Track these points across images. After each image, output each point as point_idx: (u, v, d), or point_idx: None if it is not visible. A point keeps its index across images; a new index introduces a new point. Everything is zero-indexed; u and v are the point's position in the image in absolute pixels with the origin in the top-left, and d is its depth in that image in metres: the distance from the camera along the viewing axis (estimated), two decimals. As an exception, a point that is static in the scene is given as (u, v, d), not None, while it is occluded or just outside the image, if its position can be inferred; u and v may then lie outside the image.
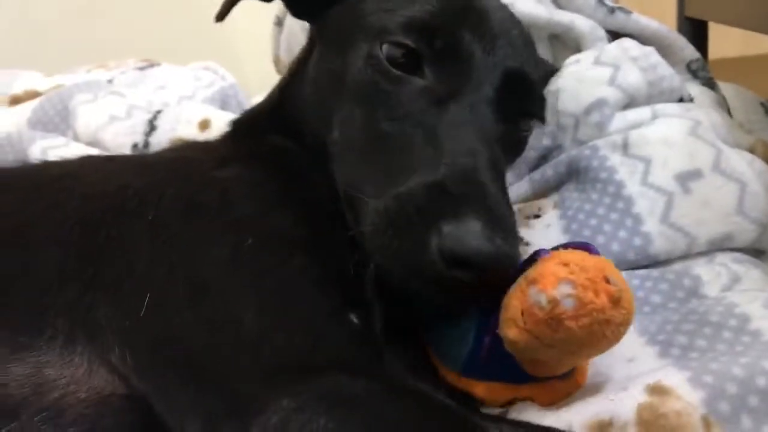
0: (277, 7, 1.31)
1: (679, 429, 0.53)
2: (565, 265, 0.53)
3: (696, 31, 1.43)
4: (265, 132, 0.76)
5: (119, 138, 1.04)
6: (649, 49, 0.89)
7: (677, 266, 0.73)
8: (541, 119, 0.77)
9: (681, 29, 1.45)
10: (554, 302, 0.52)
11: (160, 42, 1.62)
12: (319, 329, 0.53)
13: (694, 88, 1.02)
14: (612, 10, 1.00)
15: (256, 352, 0.50)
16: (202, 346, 0.51)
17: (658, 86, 0.86)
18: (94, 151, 1.02)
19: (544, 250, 0.57)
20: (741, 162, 0.77)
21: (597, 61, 0.86)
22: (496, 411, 0.61)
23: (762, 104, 1.11)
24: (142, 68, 1.42)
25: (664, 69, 0.87)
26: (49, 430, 0.53)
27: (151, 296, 0.53)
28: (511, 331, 0.55)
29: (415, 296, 0.56)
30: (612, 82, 0.84)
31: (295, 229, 0.61)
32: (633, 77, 0.85)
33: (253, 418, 0.45)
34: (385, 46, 0.65)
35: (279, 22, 1.30)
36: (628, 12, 1.02)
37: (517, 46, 0.71)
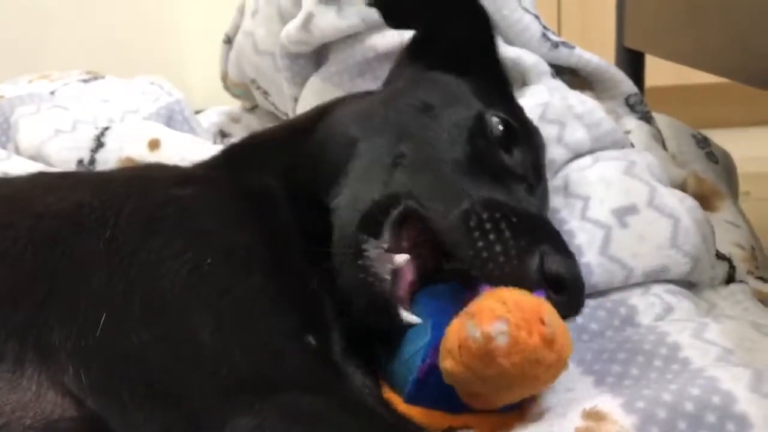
0: (226, 25, 1.31)
1: (615, 452, 0.55)
2: (504, 303, 0.55)
3: (633, 60, 1.50)
4: (251, 162, 0.76)
5: (64, 153, 1.02)
6: (592, 105, 0.93)
7: (615, 296, 0.76)
8: None
9: (619, 59, 1.52)
10: (488, 338, 0.54)
11: (106, 54, 1.60)
12: (277, 348, 0.54)
13: (632, 122, 1.07)
14: (556, 45, 1.04)
15: (214, 370, 0.50)
16: (158, 364, 0.51)
17: (602, 141, 0.90)
18: (37, 166, 1.00)
19: (484, 285, 0.59)
20: (673, 199, 0.81)
21: (543, 118, 0.89)
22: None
23: (693, 136, 1.17)
24: (86, 80, 1.39)
25: (608, 124, 0.91)
26: None
27: (107, 315, 0.53)
28: (447, 362, 0.57)
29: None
30: (559, 140, 0.88)
31: (255, 248, 0.62)
32: (578, 135, 0.90)
33: None
34: (494, 119, 0.74)
35: (228, 41, 1.30)
36: (571, 47, 1.06)
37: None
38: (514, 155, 0.73)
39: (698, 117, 2.10)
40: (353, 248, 0.63)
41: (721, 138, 1.22)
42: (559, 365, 0.56)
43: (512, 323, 0.54)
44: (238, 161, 0.79)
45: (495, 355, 0.54)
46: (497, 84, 0.83)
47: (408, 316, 0.62)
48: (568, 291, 0.60)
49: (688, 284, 0.81)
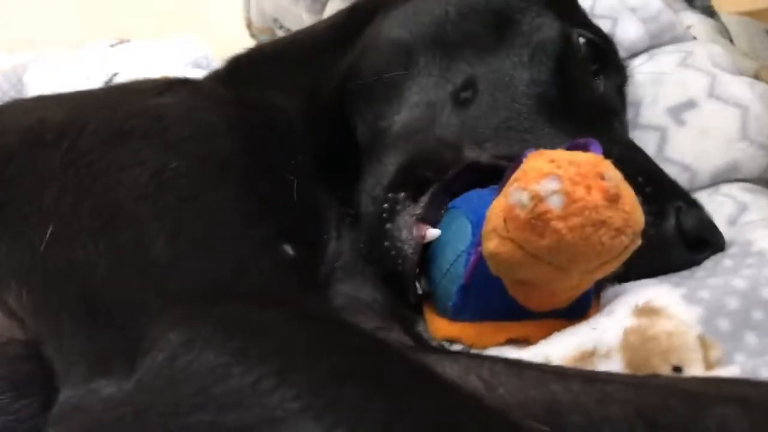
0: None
1: (670, 352, 0.45)
2: (552, 161, 0.45)
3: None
4: (264, 83, 0.68)
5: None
6: None
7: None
8: None
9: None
10: (537, 198, 0.43)
11: (133, 19, 1.58)
12: (237, 258, 0.46)
13: (692, 17, 0.94)
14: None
15: (161, 283, 0.43)
16: (101, 279, 0.44)
17: (660, 38, 0.79)
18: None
19: (530, 150, 0.49)
20: (740, 85, 0.70)
21: (592, 14, 0.78)
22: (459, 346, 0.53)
23: (767, 32, 1.03)
24: (113, 45, 1.36)
25: (666, 17, 0.80)
26: None
27: (54, 227, 0.47)
28: (492, 243, 0.47)
29: None
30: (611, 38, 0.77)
31: (235, 156, 0.54)
32: (632, 30, 0.79)
33: (139, 357, 0.38)
34: (581, 39, 0.64)
35: (248, -17, 1.24)
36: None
37: None
38: (603, 82, 0.65)
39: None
40: (385, 206, 0.57)
41: None
42: (629, 232, 0.44)
43: (565, 179, 0.43)
44: (242, 74, 0.71)
45: (548, 219, 0.43)
46: None
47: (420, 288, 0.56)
48: (710, 249, 0.54)
49: (765, 182, 0.69)
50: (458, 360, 0.45)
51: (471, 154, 0.58)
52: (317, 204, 0.58)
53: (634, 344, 0.46)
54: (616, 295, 0.51)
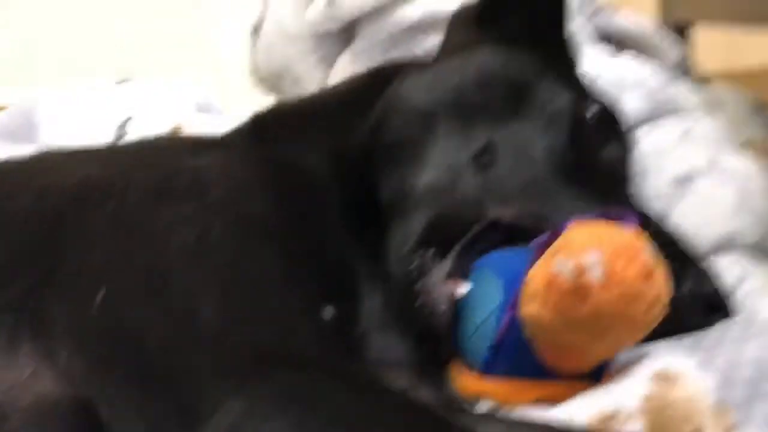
0: (254, 15, 1.29)
1: (688, 418, 0.48)
2: (594, 234, 0.49)
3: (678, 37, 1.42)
4: (288, 140, 0.71)
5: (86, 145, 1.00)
6: (646, 73, 0.88)
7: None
8: None
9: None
10: (581, 270, 0.47)
11: (135, 58, 1.60)
12: (284, 324, 0.48)
13: (683, 89, 1.00)
14: (597, 10, 1.00)
15: (212, 349, 0.45)
16: (154, 342, 0.46)
17: (661, 111, 0.85)
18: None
19: (567, 222, 0.53)
20: (737, 161, 0.76)
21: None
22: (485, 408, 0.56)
23: (751, 101, 1.09)
24: (118, 83, 1.38)
25: (664, 93, 0.86)
26: None
27: (106, 289, 0.48)
28: (532, 307, 0.50)
29: None
30: None
31: (270, 217, 0.57)
32: (635, 106, 0.83)
33: (201, 423, 0.40)
34: (592, 107, 0.67)
35: (255, 31, 1.27)
36: (613, 11, 1.01)
37: None
38: (611, 150, 0.68)
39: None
40: (414, 264, 0.59)
41: None
42: (659, 305, 0.49)
43: (607, 253, 0.48)
44: (267, 133, 0.73)
45: (589, 289, 0.47)
46: (569, 61, 0.75)
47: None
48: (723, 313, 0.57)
49: (763, 252, 0.74)
50: (490, 422, 0.48)
51: (493, 212, 0.61)
52: (349, 263, 0.61)
53: (653, 409, 0.49)
54: (633, 361, 0.55)
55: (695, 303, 0.56)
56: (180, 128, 0.99)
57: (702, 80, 1.03)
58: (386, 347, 0.60)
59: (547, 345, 0.52)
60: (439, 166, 0.64)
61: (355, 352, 0.56)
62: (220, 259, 0.52)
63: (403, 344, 0.61)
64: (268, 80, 1.32)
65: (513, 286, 0.53)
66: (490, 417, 0.52)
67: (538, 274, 0.50)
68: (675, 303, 0.53)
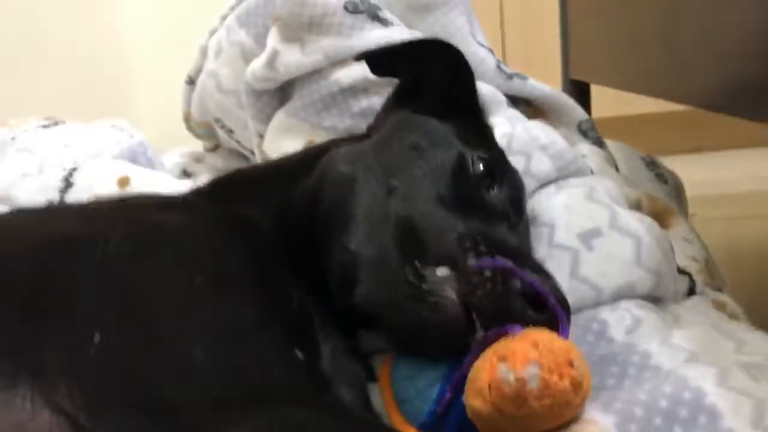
0: (187, 66, 1.34)
1: (595, 452, 0.58)
2: (535, 346, 0.58)
3: (579, 92, 1.57)
4: (242, 196, 0.79)
5: (33, 195, 1.02)
6: (555, 136, 0.98)
7: (587, 314, 0.79)
8: None
9: (565, 90, 1.59)
10: (522, 382, 0.56)
11: (61, 100, 1.61)
12: (267, 363, 0.56)
13: (585, 147, 1.13)
14: (510, 77, 1.10)
15: (207, 387, 0.52)
16: (152, 382, 0.53)
17: (566, 170, 0.96)
18: (6, 209, 1.00)
19: (515, 326, 0.61)
20: (632, 220, 0.86)
21: (509, 149, 0.93)
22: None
23: (642, 159, 1.23)
24: (46, 126, 1.39)
25: (569, 154, 0.97)
26: None
27: (101, 335, 0.54)
28: (476, 402, 0.59)
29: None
30: (526, 172, 0.93)
31: (240, 270, 0.64)
32: (544, 165, 0.95)
33: None
34: (476, 159, 0.77)
35: (191, 81, 1.32)
36: (524, 78, 1.12)
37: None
38: (495, 193, 0.77)
39: (641, 145, 2.20)
40: (409, 275, 0.64)
41: (664, 164, 1.29)
42: (582, 405, 0.59)
43: (545, 367, 0.56)
44: (223, 194, 0.82)
45: (527, 398, 0.56)
46: (478, 127, 0.87)
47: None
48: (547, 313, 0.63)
49: (653, 300, 0.84)
50: None
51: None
52: (305, 308, 0.68)
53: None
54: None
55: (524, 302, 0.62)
56: (127, 179, 1.03)
57: (599, 142, 1.15)
58: (336, 388, 0.67)
59: (484, 428, 0.61)
60: (367, 214, 0.73)
61: (322, 387, 0.62)
62: (204, 307, 0.59)
63: (349, 387, 0.68)
64: (202, 127, 1.37)
65: (454, 362, 0.62)
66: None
67: (483, 375, 0.58)
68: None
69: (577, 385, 0.58)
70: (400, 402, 0.66)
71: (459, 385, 0.61)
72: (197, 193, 0.84)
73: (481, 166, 0.77)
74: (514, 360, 0.57)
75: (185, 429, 0.49)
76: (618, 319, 0.78)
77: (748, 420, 0.57)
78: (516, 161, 0.92)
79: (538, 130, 1.00)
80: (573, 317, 0.78)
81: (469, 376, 0.60)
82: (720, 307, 0.87)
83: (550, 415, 0.58)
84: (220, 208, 0.76)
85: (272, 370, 0.55)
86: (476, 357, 0.60)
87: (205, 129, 1.36)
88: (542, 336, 0.59)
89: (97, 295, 0.58)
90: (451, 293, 0.62)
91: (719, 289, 0.91)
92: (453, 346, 0.63)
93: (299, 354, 0.59)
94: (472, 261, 0.63)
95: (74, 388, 0.53)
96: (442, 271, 0.64)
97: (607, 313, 0.79)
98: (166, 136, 1.44)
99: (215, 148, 1.44)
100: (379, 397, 0.69)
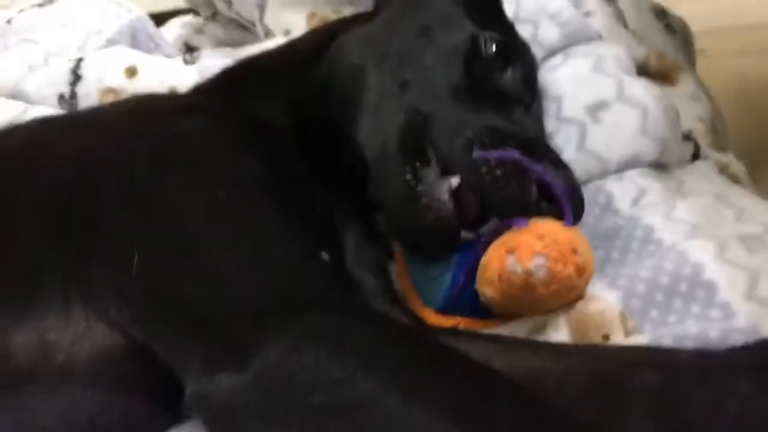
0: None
1: (602, 325, 0.64)
2: (540, 238, 0.62)
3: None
4: (256, 92, 0.79)
5: (43, 89, 1.02)
6: (563, 3, 0.96)
7: (593, 185, 0.82)
8: None
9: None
10: (528, 273, 0.61)
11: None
12: (297, 270, 0.59)
13: (593, 3, 1.10)
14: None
15: (242, 298, 0.55)
16: (192, 296, 0.56)
17: (573, 37, 0.94)
18: (18, 104, 1.01)
19: (521, 220, 0.64)
20: (640, 89, 0.86)
21: (516, 18, 0.92)
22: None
23: (652, 10, 1.20)
24: (41, 4, 1.37)
25: (578, 21, 0.95)
26: (62, 389, 0.58)
27: (140, 255, 0.58)
28: (488, 290, 0.64)
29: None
30: (533, 40, 0.92)
31: (262, 177, 0.67)
32: (552, 34, 0.94)
33: (250, 357, 0.50)
34: (488, 40, 0.76)
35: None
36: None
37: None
38: (508, 74, 0.77)
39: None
40: (407, 175, 0.66)
41: None
42: (586, 287, 0.64)
43: (550, 258, 0.61)
44: (238, 89, 0.82)
45: (534, 286, 0.61)
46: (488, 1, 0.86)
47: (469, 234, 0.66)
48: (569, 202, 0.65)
49: (658, 166, 0.86)
50: (460, 339, 0.61)
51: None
52: (327, 207, 0.71)
53: (575, 320, 0.64)
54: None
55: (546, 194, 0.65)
56: (135, 69, 1.03)
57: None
58: (362, 278, 0.72)
59: (495, 310, 0.66)
60: (376, 106, 0.75)
61: (353, 289, 0.67)
62: (230, 219, 0.61)
63: (374, 274, 0.73)
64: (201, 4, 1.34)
65: (465, 252, 0.66)
66: (457, 334, 0.66)
67: (493, 266, 0.62)
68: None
69: (581, 270, 0.62)
70: (418, 285, 0.71)
71: (471, 272, 0.66)
72: (211, 89, 0.84)
73: (494, 47, 0.77)
74: (521, 253, 0.61)
75: (225, 338, 0.53)
76: (623, 190, 0.81)
77: (742, 292, 0.62)
78: (523, 29, 0.92)
79: (546, -4, 0.98)
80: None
81: (480, 266, 0.64)
82: (723, 169, 0.89)
83: (556, 298, 0.63)
84: (236, 107, 0.77)
85: (304, 278, 0.58)
86: (486, 246, 0.64)
87: (203, 0, 1.33)
88: (547, 227, 0.63)
89: (132, 216, 0.61)
90: (443, 194, 0.64)
91: (723, 149, 0.93)
92: (446, 246, 0.66)
93: (325, 256, 0.63)
94: (477, 153, 0.65)
95: (123, 306, 0.57)
96: (436, 172, 0.66)
97: (612, 184, 0.82)
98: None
99: (213, 14, 1.41)
100: (396, 278, 0.74)
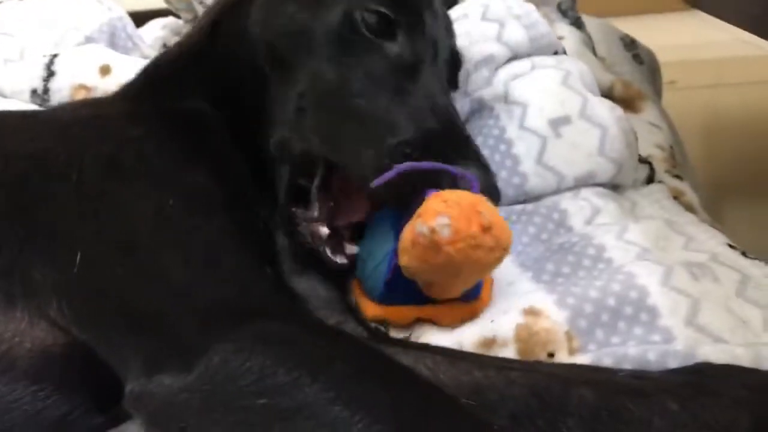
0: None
1: (548, 343, 0.65)
2: (444, 201, 0.64)
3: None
4: (180, 90, 0.79)
5: (16, 83, 1.03)
6: (529, 7, 0.98)
7: (548, 201, 0.84)
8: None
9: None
10: (433, 231, 0.62)
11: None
12: (243, 280, 0.60)
13: (564, 28, 1.14)
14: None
15: (189, 301, 0.56)
16: (136, 297, 0.57)
17: (538, 42, 0.96)
18: (-11, 97, 1.02)
19: (431, 190, 0.66)
20: (603, 109, 0.88)
21: (484, 17, 0.94)
22: (401, 336, 0.71)
23: (621, 39, 1.24)
24: (21, -1, 1.37)
25: (543, 27, 0.98)
26: (3, 380, 0.58)
27: (83, 253, 0.58)
28: (404, 258, 0.65)
29: None
30: (499, 38, 0.94)
31: (210, 188, 0.68)
32: (517, 34, 0.96)
33: (194, 358, 0.51)
34: (365, 13, 0.73)
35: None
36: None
37: (450, 26, 0.85)
38: (400, 41, 0.75)
39: (623, 4, 2.16)
40: (287, 220, 0.73)
41: (647, 25, 1.28)
42: (499, 249, 0.64)
43: (453, 217, 0.62)
44: (163, 86, 0.82)
45: (440, 244, 0.62)
46: None
47: (341, 259, 0.72)
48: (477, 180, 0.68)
49: (613, 186, 0.89)
50: (408, 351, 0.62)
51: (327, 154, 0.73)
52: (265, 216, 0.72)
53: (522, 337, 0.66)
54: (508, 297, 0.71)
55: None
56: (108, 68, 1.04)
57: (578, 22, 1.16)
58: (310, 287, 0.73)
59: (420, 283, 0.68)
60: (277, 124, 0.76)
61: (293, 297, 0.68)
62: (178, 226, 0.62)
63: (323, 283, 0.74)
64: (181, 2, 1.35)
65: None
66: (406, 346, 0.67)
67: (406, 235, 0.65)
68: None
69: (486, 228, 0.63)
70: (364, 279, 0.72)
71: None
72: (138, 91, 0.83)
73: (374, 19, 0.74)
74: (426, 215, 0.63)
75: (169, 340, 0.53)
76: (578, 209, 0.83)
77: (683, 318, 0.64)
78: (490, 28, 0.94)
79: (513, 1, 1.01)
80: (536, 204, 0.85)
81: (399, 240, 0.66)
82: (677, 196, 0.92)
83: (466, 259, 0.63)
84: (170, 105, 0.77)
85: (249, 286, 0.59)
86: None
87: (185, 3, 1.34)
88: (451, 194, 0.65)
89: (76, 215, 0.61)
90: (315, 240, 0.71)
91: (679, 177, 0.96)
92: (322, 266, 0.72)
93: (268, 269, 0.64)
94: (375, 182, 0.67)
95: (63, 303, 0.58)
96: (305, 221, 0.72)
97: (567, 202, 0.84)
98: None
99: (194, 18, 1.42)
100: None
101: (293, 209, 0.73)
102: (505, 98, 0.92)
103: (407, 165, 0.66)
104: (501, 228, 0.64)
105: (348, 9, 0.74)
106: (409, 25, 0.76)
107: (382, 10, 0.74)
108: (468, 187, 0.67)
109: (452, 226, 0.62)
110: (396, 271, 0.68)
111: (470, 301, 0.71)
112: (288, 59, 0.76)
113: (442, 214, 0.62)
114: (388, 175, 0.66)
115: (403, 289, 0.69)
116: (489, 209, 0.64)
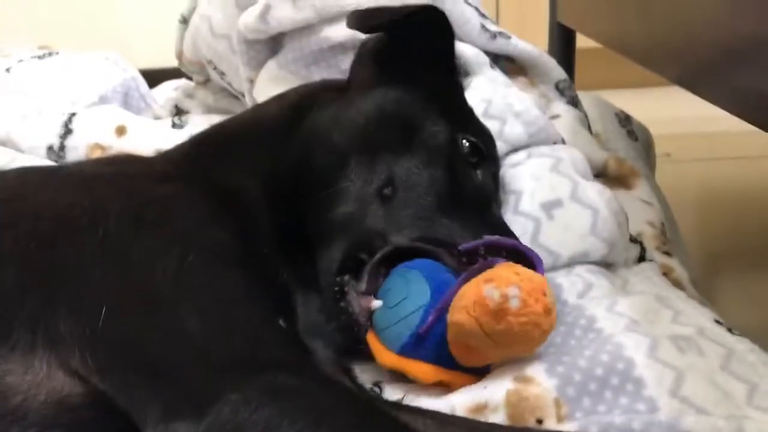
0: (181, 5, 1.36)
1: (537, 409, 0.68)
2: (517, 274, 0.67)
3: (566, 37, 1.61)
4: (230, 163, 0.84)
5: (33, 139, 1.07)
6: (529, 104, 1.04)
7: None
8: None
9: (553, 35, 1.63)
10: (504, 298, 0.65)
11: (56, 28, 1.62)
12: (256, 333, 0.63)
13: (560, 107, 1.18)
14: (494, 36, 1.14)
15: (203, 354, 0.59)
16: (155, 350, 0.60)
17: (537, 136, 1.02)
18: (7, 151, 1.06)
19: (498, 259, 0.71)
20: (593, 192, 0.93)
21: (486, 114, 1.00)
22: (394, 398, 0.73)
23: (616, 115, 1.29)
24: (40, 57, 1.43)
25: (542, 121, 1.03)
26: (13, 430, 0.60)
27: (107, 308, 0.62)
28: (460, 316, 0.67)
29: None
30: (500, 135, 0.99)
31: (230, 244, 0.71)
32: (517, 131, 1.01)
33: (206, 407, 0.54)
34: (465, 141, 0.84)
35: (184, 20, 1.35)
36: (507, 36, 1.16)
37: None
38: (481, 173, 0.85)
39: (621, 77, 2.22)
40: (336, 288, 0.75)
41: (643, 98, 1.32)
42: (548, 333, 0.68)
43: (524, 290, 0.65)
44: (210, 157, 0.87)
45: (507, 313, 0.65)
46: (454, 91, 0.94)
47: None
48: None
49: (605, 265, 0.93)
50: (401, 413, 0.65)
51: (394, 239, 0.77)
52: (286, 278, 0.76)
53: (513, 402, 0.68)
54: (502, 364, 0.73)
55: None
56: (124, 128, 1.09)
57: (574, 101, 1.21)
58: (313, 346, 0.76)
59: (461, 344, 0.70)
60: (352, 200, 0.80)
61: (303, 352, 0.71)
62: (197, 281, 0.66)
63: (324, 344, 0.77)
64: (194, 66, 1.40)
65: (440, 293, 0.70)
66: (399, 407, 0.69)
67: (469, 294, 0.67)
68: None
69: (548, 311, 0.66)
70: (382, 329, 0.74)
71: (441, 311, 0.69)
72: (182, 157, 0.88)
73: (468, 147, 0.84)
74: (500, 281, 0.66)
75: (185, 391, 0.56)
76: (571, 284, 0.86)
77: (667, 389, 0.67)
78: (491, 125, 0.99)
79: (514, 96, 1.05)
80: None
81: (455, 297, 0.68)
82: (667, 272, 0.95)
83: (523, 334, 0.66)
84: (209, 175, 0.81)
85: (262, 339, 0.62)
86: (461, 286, 0.69)
87: (197, 68, 1.39)
88: (523, 268, 0.68)
89: (104, 271, 0.64)
90: (359, 312, 0.73)
91: (669, 254, 1.00)
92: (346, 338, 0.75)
93: (282, 323, 0.67)
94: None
95: (86, 354, 0.61)
96: (355, 292, 0.74)
97: (562, 278, 0.87)
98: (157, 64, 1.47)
99: (206, 81, 1.47)
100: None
101: (344, 278, 0.76)
102: (503, 187, 0.96)
103: (494, 238, 0.72)
104: (555, 314, 0.69)
105: (454, 135, 0.84)
106: (489, 160, 0.87)
107: (478, 143, 0.85)
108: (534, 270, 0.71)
109: (522, 299, 0.65)
110: (431, 327, 0.70)
111: (484, 373, 0.73)
112: (378, 151, 0.82)
113: (515, 285, 0.65)
114: (477, 242, 0.72)
115: (433, 346, 0.71)
116: (551, 292, 0.68)
